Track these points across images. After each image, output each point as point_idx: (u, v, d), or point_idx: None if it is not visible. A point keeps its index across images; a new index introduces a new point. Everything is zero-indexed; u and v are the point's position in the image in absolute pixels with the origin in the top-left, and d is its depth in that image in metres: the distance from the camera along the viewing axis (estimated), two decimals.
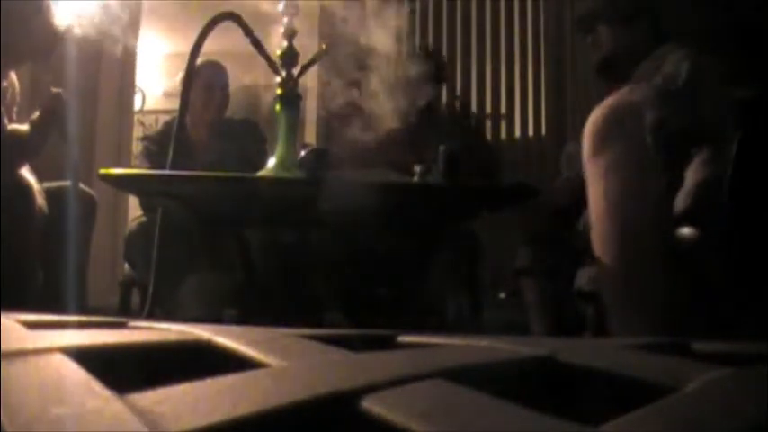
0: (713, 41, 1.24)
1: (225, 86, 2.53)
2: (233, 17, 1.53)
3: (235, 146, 2.36)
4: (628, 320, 1.16)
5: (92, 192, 2.11)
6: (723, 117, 1.01)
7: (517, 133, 3.95)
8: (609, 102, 1.16)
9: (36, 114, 1.85)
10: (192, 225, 1.76)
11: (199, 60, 1.76)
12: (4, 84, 1.81)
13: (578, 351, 0.28)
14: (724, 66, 1.25)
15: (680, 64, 1.37)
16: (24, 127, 1.83)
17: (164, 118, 3.87)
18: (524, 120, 3.94)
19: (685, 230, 1.08)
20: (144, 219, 2.26)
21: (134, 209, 2.80)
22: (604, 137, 1.13)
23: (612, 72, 1.63)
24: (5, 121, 1.80)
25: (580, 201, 1.38)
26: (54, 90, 1.86)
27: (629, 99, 1.13)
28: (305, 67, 1.64)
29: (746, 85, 1.08)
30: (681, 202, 1.06)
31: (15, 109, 1.92)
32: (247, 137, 2.44)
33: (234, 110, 2.60)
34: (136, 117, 3.93)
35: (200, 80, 2.33)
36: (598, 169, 1.14)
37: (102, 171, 1.50)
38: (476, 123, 3.59)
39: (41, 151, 1.86)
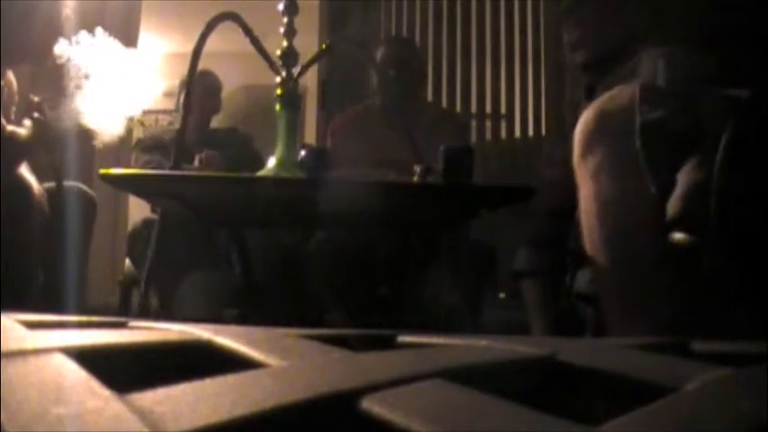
0: (705, 40, 1.22)
1: (215, 93, 2.54)
2: (233, 17, 1.53)
3: (220, 154, 2.37)
4: (626, 322, 1.16)
5: (92, 192, 2.11)
6: (715, 118, 0.98)
7: (517, 133, 3.95)
8: (598, 103, 1.15)
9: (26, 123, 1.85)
10: (193, 225, 1.77)
11: None
12: (2, 83, 1.80)
13: (578, 351, 0.28)
14: (715, 65, 1.23)
15: (656, 62, 1.35)
16: (23, 129, 1.83)
17: (164, 118, 3.87)
18: (524, 120, 3.94)
19: (678, 235, 1.07)
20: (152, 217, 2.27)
21: (134, 209, 2.79)
22: (594, 138, 1.13)
23: (595, 69, 1.61)
24: (4, 121, 1.79)
25: (574, 200, 1.37)
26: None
27: (618, 100, 1.13)
28: (305, 67, 1.64)
29: (738, 85, 1.07)
30: (671, 208, 1.04)
31: (13, 109, 1.92)
32: (231, 144, 2.47)
33: (233, 110, 2.60)
34: (136, 117, 3.92)
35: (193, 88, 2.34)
36: (588, 170, 1.13)
37: (103, 171, 1.50)
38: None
39: (35, 152, 1.86)
